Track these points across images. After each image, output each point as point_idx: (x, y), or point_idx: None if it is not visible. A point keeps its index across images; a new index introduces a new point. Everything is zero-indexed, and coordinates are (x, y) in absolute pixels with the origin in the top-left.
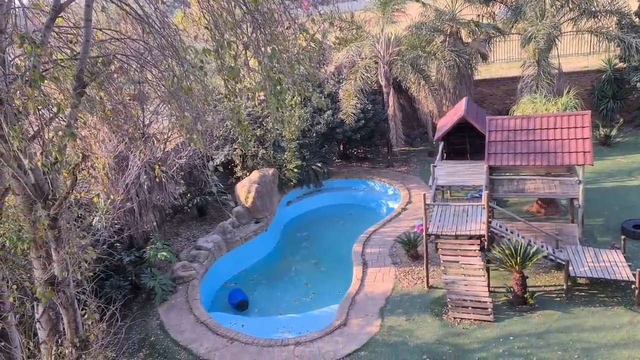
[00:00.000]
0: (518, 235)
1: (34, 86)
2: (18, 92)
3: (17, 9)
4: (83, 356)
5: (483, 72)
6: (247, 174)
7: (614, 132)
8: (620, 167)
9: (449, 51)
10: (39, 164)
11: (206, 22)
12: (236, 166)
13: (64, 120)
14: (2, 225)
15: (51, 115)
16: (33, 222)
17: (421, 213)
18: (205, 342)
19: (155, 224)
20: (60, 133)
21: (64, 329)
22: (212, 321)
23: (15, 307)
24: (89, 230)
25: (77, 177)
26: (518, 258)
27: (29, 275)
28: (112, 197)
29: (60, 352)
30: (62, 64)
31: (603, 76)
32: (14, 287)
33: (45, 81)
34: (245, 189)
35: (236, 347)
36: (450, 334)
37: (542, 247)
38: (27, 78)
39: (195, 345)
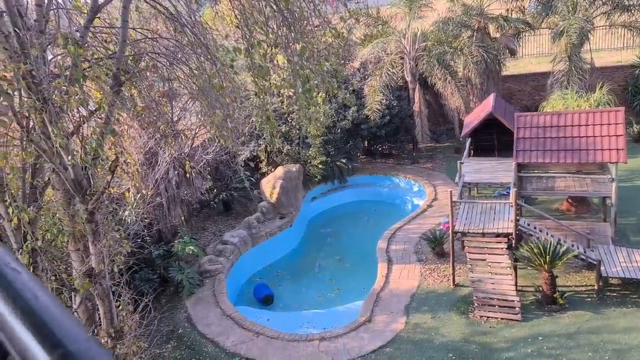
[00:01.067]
0: (547, 234)
1: (76, 85)
2: (59, 91)
3: (56, 10)
4: (118, 346)
5: (511, 67)
6: (272, 169)
7: None
8: None
9: (477, 47)
10: (79, 160)
11: (237, 20)
12: (261, 162)
13: (99, 118)
14: (42, 219)
15: (89, 112)
16: (72, 215)
17: (447, 210)
18: (231, 336)
19: (182, 218)
20: (100, 130)
21: (99, 319)
22: (238, 315)
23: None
24: (121, 225)
25: (114, 172)
26: (547, 257)
27: (66, 267)
28: (142, 192)
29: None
30: (100, 63)
31: (637, 71)
32: (52, 278)
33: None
34: (270, 184)
35: (262, 341)
36: (477, 332)
37: (573, 246)
38: (69, 77)
39: (221, 338)
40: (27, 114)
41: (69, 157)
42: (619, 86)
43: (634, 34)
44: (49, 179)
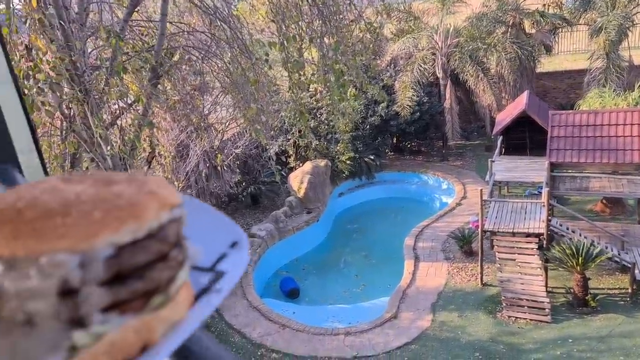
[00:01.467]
0: (580, 235)
1: (116, 77)
2: (101, 82)
3: (96, 4)
4: None
5: (546, 64)
6: (300, 164)
7: None
8: None
9: (511, 43)
10: (117, 150)
11: (272, 14)
12: (289, 157)
13: (136, 110)
14: None
15: (126, 104)
16: None
17: (476, 209)
18: (257, 327)
19: None
20: (138, 121)
21: None
22: (264, 307)
23: None
24: None
25: (151, 163)
26: (580, 258)
27: None
28: (174, 184)
29: None
30: (138, 56)
31: None
32: None
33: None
34: (298, 179)
35: (288, 334)
36: (505, 332)
37: (606, 248)
38: (109, 69)
39: (248, 329)
40: (69, 105)
41: (108, 148)
42: None
43: None
44: (87, 168)
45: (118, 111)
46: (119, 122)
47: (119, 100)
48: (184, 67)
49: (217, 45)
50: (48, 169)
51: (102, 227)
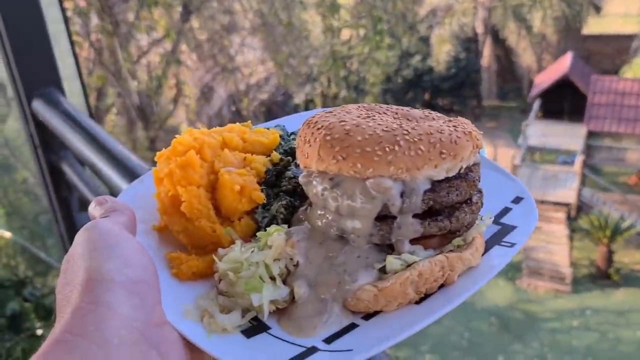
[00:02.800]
0: (611, 207)
1: (147, 10)
2: (131, 14)
3: None
4: None
5: (594, 26)
6: None
7: None
8: None
9: (558, 0)
10: (144, 87)
11: None
12: (316, 107)
13: (164, 48)
14: None
15: (156, 40)
16: (133, 141)
17: None
18: None
19: None
20: (166, 58)
21: None
22: None
23: None
24: None
25: (177, 102)
26: (607, 231)
27: None
28: (197, 125)
29: None
30: None
31: None
32: None
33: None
34: None
35: None
36: (523, 300)
37: (637, 222)
38: (140, 2)
39: None
40: (98, 37)
41: (135, 83)
42: None
43: None
44: (112, 103)
45: (147, 46)
46: (146, 58)
47: (147, 35)
48: (214, 4)
49: None
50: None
51: (426, 160)
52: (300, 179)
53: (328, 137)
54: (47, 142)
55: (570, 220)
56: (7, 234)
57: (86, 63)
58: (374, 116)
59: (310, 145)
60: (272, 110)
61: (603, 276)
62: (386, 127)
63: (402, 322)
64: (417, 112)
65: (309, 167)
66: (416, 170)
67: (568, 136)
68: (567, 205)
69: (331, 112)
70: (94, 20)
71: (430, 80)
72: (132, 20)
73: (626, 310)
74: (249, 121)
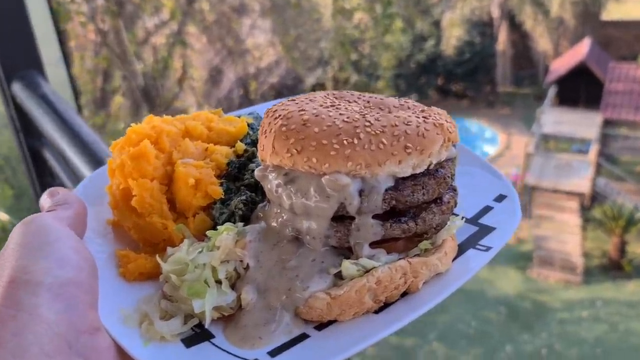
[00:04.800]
0: (625, 197)
1: None
2: None
3: None
4: None
5: (613, 11)
6: None
7: None
8: None
9: None
10: (150, 68)
11: None
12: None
13: (170, 29)
14: (110, 126)
15: (162, 22)
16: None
17: (518, 161)
18: None
19: None
20: (171, 40)
21: None
22: None
23: None
24: None
25: (182, 85)
26: (621, 221)
27: None
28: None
29: None
30: None
31: None
32: None
33: None
34: None
35: None
36: (533, 289)
37: None
38: None
39: None
40: (103, 18)
41: (141, 65)
42: None
43: None
44: (119, 85)
45: (153, 28)
46: (152, 40)
47: (153, 17)
48: None
49: None
50: (79, 83)
51: (388, 155)
52: (256, 173)
53: (284, 128)
54: (27, 127)
55: (584, 210)
56: (5, 216)
57: (92, 45)
58: (339, 105)
59: (265, 137)
60: (283, 94)
61: (615, 267)
62: (347, 118)
63: (358, 333)
64: (392, 100)
65: (264, 161)
66: (377, 167)
67: (583, 124)
68: (580, 194)
69: (294, 99)
70: (100, 0)
71: (444, 65)
72: (138, 1)
73: (637, 302)
74: (220, 108)
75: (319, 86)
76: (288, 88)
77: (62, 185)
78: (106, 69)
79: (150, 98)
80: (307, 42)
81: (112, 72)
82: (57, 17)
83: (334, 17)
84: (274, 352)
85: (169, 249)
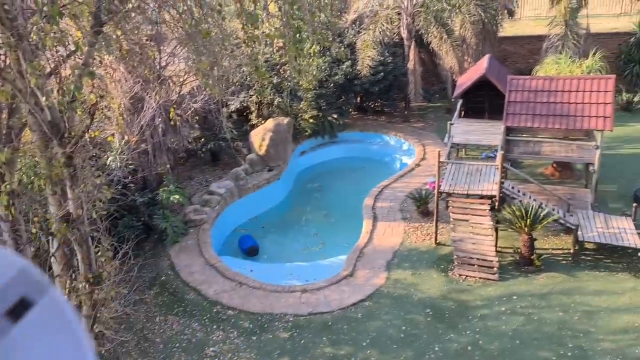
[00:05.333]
0: (530, 198)
1: (52, 22)
2: (36, 27)
3: None
4: (96, 291)
5: (508, 28)
6: (262, 121)
7: (636, 98)
8: (638, 134)
9: (475, 5)
10: (56, 101)
11: None
12: (251, 113)
13: (80, 58)
14: (19, 161)
15: (68, 52)
16: (49, 159)
17: (434, 170)
18: (214, 284)
19: (168, 166)
20: (77, 71)
21: (78, 264)
22: (221, 265)
23: (31, 240)
24: (103, 170)
25: (93, 116)
26: (528, 220)
27: (44, 210)
28: (126, 137)
29: (74, 287)
30: (80, 0)
31: (631, 39)
32: (35, 219)
33: (64, 18)
34: (260, 136)
35: (244, 291)
36: (455, 290)
37: (553, 210)
38: (45, 14)
39: (204, 286)
40: (1, 51)
41: (44, 98)
42: (612, 53)
43: None
44: (25, 120)
45: (58, 60)
46: (57, 72)
47: (59, 48)
48: (134, 14)
49: None
50: None
51: None
52: None
53: None
54: None
55: (494, 211)
56: None
57: None
58: None
59: None
60: (208, 118)
61: (527, 263)
62: None
63: None
64: None
65: None
66: None
67: (489, 133)
68: (491, 197)
69: None
70: None
71: (361, 84)
72: (38, 32)
73: (547, 293)
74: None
75: (244, 109)
76: (212, 112)
77: None
78: (11, 103)
79: (60, 131)
80: (222, 67)
81: (19, 106)
82: None
83: (247, 43)
84: None
85: None
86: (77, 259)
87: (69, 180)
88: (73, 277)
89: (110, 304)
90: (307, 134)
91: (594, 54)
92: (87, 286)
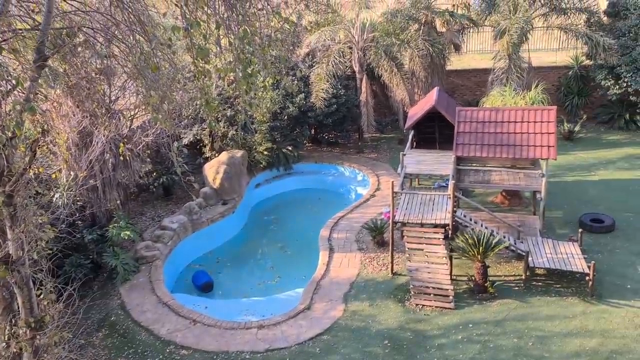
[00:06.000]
0: (482, 226)
1: None
2: None
3: None
4: (38, 336)
5: (455, 62)
6: (216, 154)
7: (577, 128)
8: (581, 162)
9: (423, 40)
10: None
11: None
12: (205, 146)
13: (23, 93)
14: None
15: (9, 88)
16: None
17: (389, 200)
18: (167, 323)
19: (119, 202)
20: (18, 107)
21: (18, 308)
22: (174, 302)
23: None
24: (48, 208)
25: (35, 152)
26: (480, 248)
27: None
28: (74, 173)
29: (14, 332)
30: (23, 34)
31: (570, 72)
32: None
33: (4, 52)
34: (214, 169)
35: (198, 329)
36: (412, 320)
37: (505, 237)
38: None
39: (156, 326)
40: None
41: None
42: (552, 86)
43: (569, 36)
44: None
45: None
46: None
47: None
48: (80, 49)
49: (118, 28)
50: None
51: None
52: None
53: None
54: None
55: (448, 240)
56: None
57: None
58: None
59: None
60: (160, 152)
61: (481, 290)
62: None
63: None
64: None
65: None
66: None
67: (441, 163)
68: (444, 226)
69: None
70: None
71: (314, 116)
72: None
73: (501, 320)
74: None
75: (197, 142)
76: (165, 146)
77: None
78: None
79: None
80: (173, 101)
81: None
82: None
83: (197, 77)
84: None
85: None
86: (17, 303)
87: (8, 220)
88: (13, 322)
89: (54, 350)
90: (261, 166)
91: (536, 86)
92: (28, 332)
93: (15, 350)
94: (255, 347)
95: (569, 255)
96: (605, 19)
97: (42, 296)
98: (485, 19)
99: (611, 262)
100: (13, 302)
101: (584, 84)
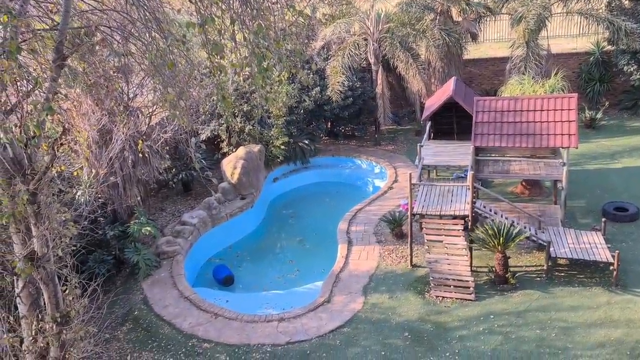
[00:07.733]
0: (501, 216)
1: (10, 58)
2: None
3: None
4: (64, 331)
5: (472, 51)
6: (234, 149)
7: (599, 115)
8: (603, 150)
9: (439, 30)
10: (16, 138)
11: None
12: (222, 142)
13: (43, 93)
14: None
15: (29, 88)
16: (12, 196)
17: (407, 192)
18: (188, 317)
19: (139, 198)
20: (38, 107)
21: (44, 303)
22: (196, 296)
23: None
24: (70, 205)
25: (56, 151)
26: (501, 238)
27: (9, 249)
28: (95, 171)
29: (41, 327)
30: (42, 34)
31: (591, 59)
32: None
33: (23, 53)
34: (231, 164)
35: (220, 323)
36: (432, 312)
37: (525, 228)
38: (3, 49)
39: (178, 320)
40: None
41: (3, 135)
42: (573, 73)
43: (589, 21)
44: None
45: (19, 96)
46: (24, 107)
47: (19, 83)
48: (98, 48)
49: (134, 26)
50: None
51: None
52: None
53: None
54: None
55: (468, 231)
56: None
57: None
58: None
59: None
60: (179, 148)
61: (502, 281)
62: None
63: None
64: None
65: None
66: None
67: (459, 153)
68: (463, 217)
69: None
70: None
71: (330, 109)
72: None
73: (523, 311)
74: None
75: (215, 137)
76: (183, 142)
77: None
78: None
79: (23, 167)
80: (190, 97)
81: None
82: None
83: (213, 73)
84: None
85: None
86: (43, 299)
87: (33, 217)
88: (40, 317)
89: (80, 344)
90: (279, 160)
91: (556, 73)
92: (54, 326)
93: (42, 344)
94: (276, 340)
95: (592, 245)
96: (627, 2)
97: (67, 292)
98: (502, 6)
99: (636, 251)
100: (39, 298)
101: (606, 70)
